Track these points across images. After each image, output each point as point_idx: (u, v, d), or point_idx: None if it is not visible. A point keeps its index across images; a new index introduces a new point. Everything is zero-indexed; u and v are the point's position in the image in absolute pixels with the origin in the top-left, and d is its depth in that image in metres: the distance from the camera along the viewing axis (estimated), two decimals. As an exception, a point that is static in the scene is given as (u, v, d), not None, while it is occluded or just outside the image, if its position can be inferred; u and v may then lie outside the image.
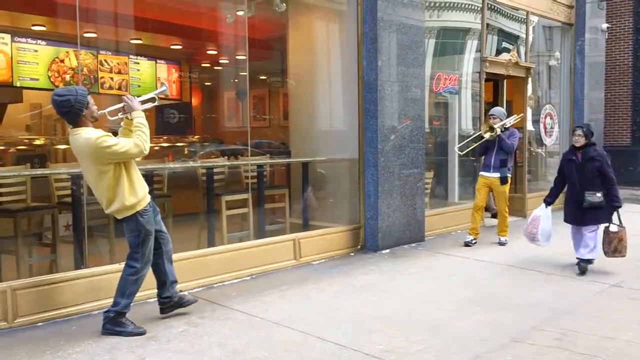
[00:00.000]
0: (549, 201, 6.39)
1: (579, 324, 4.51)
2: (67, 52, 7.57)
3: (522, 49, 10.30)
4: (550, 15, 10.74)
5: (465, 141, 8.19)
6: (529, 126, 10.44)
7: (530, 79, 10.24)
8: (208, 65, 11.22)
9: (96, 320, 4.48)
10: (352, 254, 7.04)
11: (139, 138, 4.19)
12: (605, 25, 11.81)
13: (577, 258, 6.14)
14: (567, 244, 6.43)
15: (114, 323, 4.28)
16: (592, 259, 6.08)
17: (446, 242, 7.76)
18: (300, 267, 6.43)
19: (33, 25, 7.66)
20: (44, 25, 7.73)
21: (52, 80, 7.55)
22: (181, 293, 4.80)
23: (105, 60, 8.13)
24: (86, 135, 4.09)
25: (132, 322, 4.36)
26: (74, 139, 4.15)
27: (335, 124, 7.97)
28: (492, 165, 7.42)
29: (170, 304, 4.65)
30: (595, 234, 6.06)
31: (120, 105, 4.38)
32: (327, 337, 4.25)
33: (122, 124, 4.43)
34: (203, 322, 4.59)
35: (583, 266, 6.06)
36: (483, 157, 7.66)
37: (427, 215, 7.85)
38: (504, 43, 10.05)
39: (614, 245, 5.96)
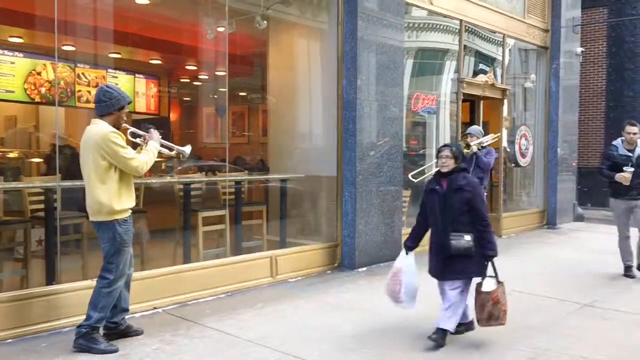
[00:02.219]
0: (409, 246, 4.76)
1: (554, 342, 4.55)
2: (44, 65, 7.50)
3: (499, 71, 10.48)
4: (526, 38, 10.96)
5: (420, 169, 8.21)
6: (505, 146, 10.58)
7: (506, 101, 10.41)
8: (187, 80, 11.21)
9: (67, 337, 4.39)
10: (329, 271, 7.03)
11: (144, 156, 4.34)
12: (579, 49, 12.08)
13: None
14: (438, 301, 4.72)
15: (87, 339, 4.20)
16: (448, 330, 4.40)
17: (423, 260, 7.75)
18: (277, 284, 6.39)
19: (10, 36, 7.59)
20: (21, 37, 7.66)
21: (28, 92, 7.46)
22: (128, 323, 4.63)
23: (83, 74, 8.07)
24: (103, 126, 4.26)
25: (105, 339, 4.29)
26: (90, 128, 4.29)
27: (314, 142, 8.00)
28: None
29: (116, 331, 4.49)
30: (460, 294, 4.39)
31: (145, 133, 4.56)
32: (303, 355, 4.22)
33: (137, 149, 4.53)
34: (177, 340, 4.53)
35: (435, 338, 4.35)
36: None
37: (404, 234, 7.87)
38: (480, 65, 10.22)
39: (488, 310, 4.35)
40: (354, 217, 7.06)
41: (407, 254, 4.72)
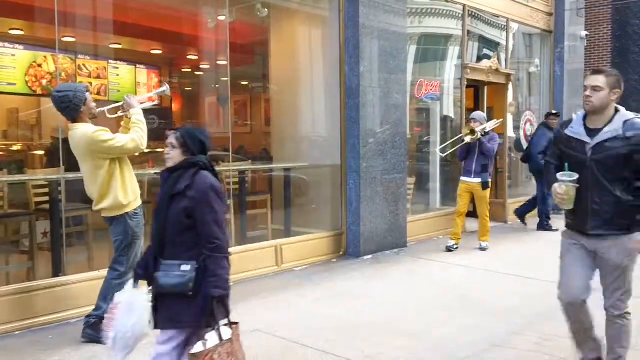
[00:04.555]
0: (138, 273, 3.07)
1: (560, 328, 4.54)
2: (45, 57, 7.46)
3: (503, 56, 10.40)
4: (530, 22, 10.86)
5: (447, 143, 8.25)
6: (510, 132, 10.54)
7: (510, 86, 10.34)
8: (189, 70, 11.15)
9: (74, 328, 4.41)
10: (334, 260, 7.02)
11: (136, 134, 4.25)
12: (584, 33, 11.98)
13: None
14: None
15: (95, 329, 4.20)
16: None
17: (428, 247, 7.78)
18: (282, 273, 6.40)
19: (11, 29, 7.55)
20: (21, 30, 7.62)
21: (29, 85, 7.43)
22: None
23: (84, 65, 8.03)
24: (84, 129, 4.15)
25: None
26: (72, 134, 4.21)
27: (317, 130, 7.97)
28: (473, 171, 7.45)
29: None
30: (173, 351, 2.94)
31: (120, 103, 4.45)
32: (308, 343, 4.22)
33: (122, 123, 4.48)
34: (183, 329, 4.53)
35: None
36: (463, 162, 7.69)
37: (409, 221, 7.87)
38: (484, 50, 10.15)
39: None
40: (359, 205, 7.05)
41: (134, 284, 3.05)
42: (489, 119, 8.46)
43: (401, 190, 7.60)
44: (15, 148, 8.24)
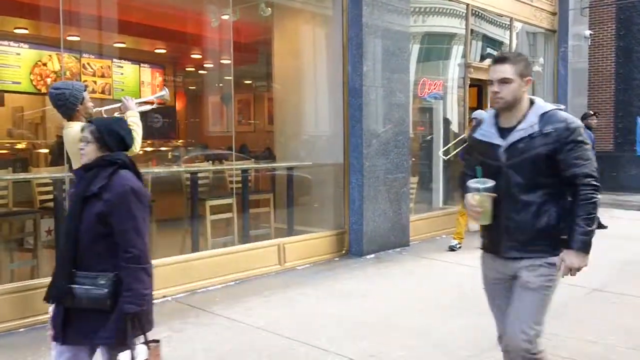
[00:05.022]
0: (53, 293, 2.69)
1: (562, 327, 4.54)
2: (49, 56, 7.51)
3: (506, 55, 10.38)
4: (534, 21, 10.85)
5: (449, 145, 8.24)
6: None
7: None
8: (192, 69, 11.19)
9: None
10: (337, 259, 7.04)
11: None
12: (588, 32, 11.96)
13: None
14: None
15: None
16: None
17: (431, 246, 7.78)
18: (285, 272, 6.41)
19: (16, 28, 7.59)
20: (26, 29, 7.66)
21: (34, 83, 7.48)
22: None
23: (89, 64, 8.08)
24: (78, 128, 4.09)
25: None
26: (66, 133, 4.18)
27: (320, 129, 7.98)
28: None
29: None
30: None
31: (117, 105, 4.44)
32: (311, 342, 4.23)
33: None
34: (187, 327, 4.56)
35: None
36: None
37: (412, 220, 7.87)
38: (488, 49, 10.14)
39: None
40: (361, 204, 7.05)
41: (49, 301, 2.70)
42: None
43: (404, 189, 7.61)
44: (19, 146, 8.28)
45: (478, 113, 7.65)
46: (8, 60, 7.25)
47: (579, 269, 2.69)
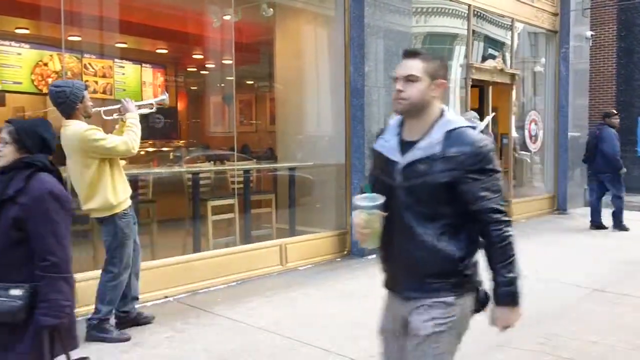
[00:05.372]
0: None
1: (564, 328, 4.54)
2: (51, 56, 7.51)
3: (508, 56, 10.38)
4: (535, 22, 10.84)
5: None
6: (513, 132, 10.52)
7: (515, 86, 10.33)
8: (194, 69, 11.19)
9: (80, 326, 4.41)
10: (339, 259, 7.03)
11: (128, 137, 4.22)
12: (589, 33, 11.95)
13: None
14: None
15: (98, 329, 4.24)
16: None
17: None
18: (287, 272, 6.41)
19: (17, 28, 7.59)
20: (27, 29, 7.66)
21: (35, 83, 7.48)
22: (139, 310, 4.65)
23: (90, 64, 8.08)
24: (76, 127, 4.14)
25: (117, 328, 4.33)
26: (64, 131, 4.19)
27: (322, 130, 7.98)
28: None
29: (127, 319, 4.50)
30: None
31: (117, 106, 4.46)
32: (313, 342, 4.23)
33: (116, 126, 4.48)
34: (189, 327, 4.56)
35: None
36: None
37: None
38: (489, 49, 10.13)
39: None
40: (363, 204, 7.04)
41: None
42: (493, 119, 8.42)
43: (405, 189, 7.58)
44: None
45: (469, 113, 7.60)
46: (9, 60, 7.25)
47: (513, 325, 2.29)
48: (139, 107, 4.55)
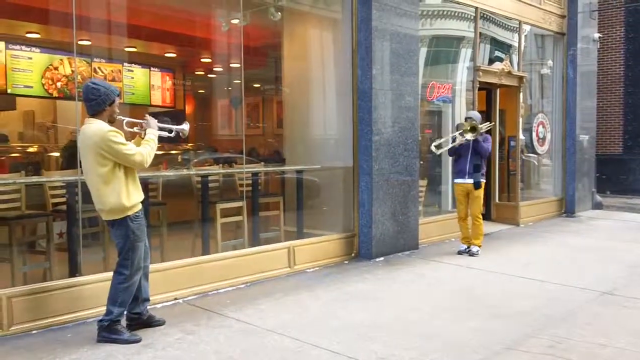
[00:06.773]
0: None
1: (573, 331, 4.54)
2: (61, 60, 7.57)
3: (515, 58, 10.39)
4: (543, 24, 10.84)
5: (441, 140, 7.93)
6: (521, 135, 10.52)
7: (522, 88, 10.33)
8: (202, 73, 11.24)
9: (91, 327, 4.47)
10: (347, 261, 7.05)
11: (145, 149, 4.31)
12: (597, 35, 11.93)
13: None
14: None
15: (109, 331, 4.28)
16: None
17: (440, 249, 7.79)
18: (295, 274, 6.43)
19: (27, 32, 7.67)
20: (38, 33, 7.74)
21: (45, 87, 7.54)
22: (151, 312, 4.68)
23: (100, 68, 8.13)
24: (100, 125, 4.22)
25: (128, 330, 4.36)
26: (86, 127, 4.25)
27: (329, 132, 8.00)
28: (466, 171, 7.34)
29: (139, 321, 4.54)
30: None
31: (141, 121, 4.55)
32: (322, 344, 4.25)
33: (132, 141, 4.53)
34: (198, 330, 4.59)
35: None
36: (455, 162, 7.59)
37: (421, 223, 7.88)
38: (496, 52, 10.14)
39: None
40: (370, 207, 7.07)
41: None
42: (501, 122, 8.43)
43: (413, 192, 7.61)
44: (31, 150, 8.36)
45: (473, 114, 7.57)
46: (20, 64, 7.32)
47: None
48: (160, 128, 4.63)
